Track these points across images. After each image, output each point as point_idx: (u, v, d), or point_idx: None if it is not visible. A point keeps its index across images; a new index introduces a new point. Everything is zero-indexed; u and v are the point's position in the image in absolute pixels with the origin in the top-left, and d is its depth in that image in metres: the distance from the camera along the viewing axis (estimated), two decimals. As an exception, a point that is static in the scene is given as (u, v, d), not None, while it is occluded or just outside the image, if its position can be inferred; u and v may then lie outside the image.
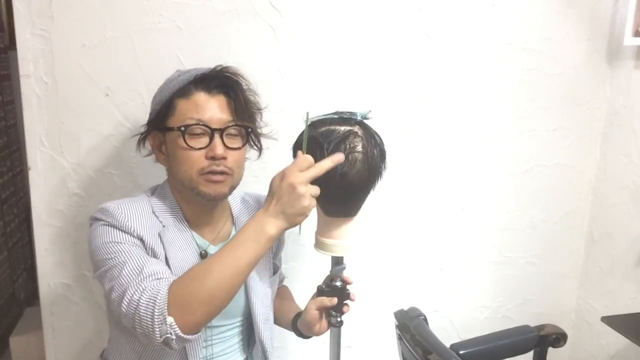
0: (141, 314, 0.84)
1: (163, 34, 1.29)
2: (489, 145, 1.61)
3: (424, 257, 1.64)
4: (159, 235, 1.01)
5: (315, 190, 0.91)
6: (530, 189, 1.69)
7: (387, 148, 1.02)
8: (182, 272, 0.93)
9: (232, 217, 1.16)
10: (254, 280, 1.13)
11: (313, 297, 1.10)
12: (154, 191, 1.10)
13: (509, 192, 1.67)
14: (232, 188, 1.06)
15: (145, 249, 0.98)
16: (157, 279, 0.89)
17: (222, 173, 1.01)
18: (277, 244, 1.24)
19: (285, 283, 1.41)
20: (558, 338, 1.31)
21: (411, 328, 1.19)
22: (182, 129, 0.99)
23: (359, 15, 1.41)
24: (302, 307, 1.16)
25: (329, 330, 1.12)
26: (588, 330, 1.79)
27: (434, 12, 1.47)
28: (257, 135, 1.11)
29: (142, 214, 1.01)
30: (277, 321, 1.27)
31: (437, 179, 1.59)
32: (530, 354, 1.35)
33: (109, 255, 0.94)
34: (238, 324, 1.14)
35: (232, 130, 1.03)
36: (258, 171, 1.40)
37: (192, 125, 1.00)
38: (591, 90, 1.66)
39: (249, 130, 1.07)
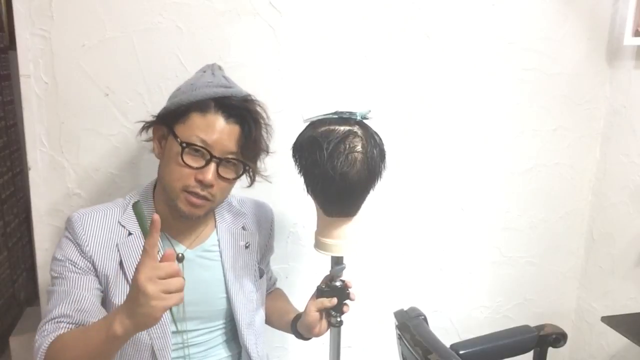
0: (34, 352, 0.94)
1: (163, 34, 1.29)
2: (489, 145, 1.61)
3: (424, 257, 1.64)
4: (117, 246, 1.03)
5: (176, 287, 0.80)
6: (530, 189, 1.69)
7: (386, 148, 1.02)
8: None
9: (215, 219, 1.14)
10: (236, 285, 1.12)
11: (312, 298, 1.10)
12: (137, 194, 1.10)
13: (509, 192, 1.67)
14: (209, 211, 1.06)
15: (95, 269, 1.02)
16: (57, 322, 0.95)
17: (203, 198, 1.00)
18: (264, 250, 1.23)
19: (285, 283, 1.41)
20: (558, 338, 1.31)
21: (411, 328, 1.19)
22: (184, 145, 0.98)
23: (359, 15, 1.41)
24: (301, 307, 1.16)
25: (328, 331, 1.12)
26: (588, 330, 1.79)
27: (434, 13, 1.47)
28: (255, 173, 1.10)
29: (103, 227, 1.03)
30: (272, 324, 1.26)
31: (437, 179, 1.59)
32: (530, 354, 1.35)
33: (53, 278, 1.03)
34: (220, 326, 1.14)
35: (230, 161, 1.02)
36: (258, 171, 1.40)
37: (195, 145, 0.98)
38: (591, 90, 1.66)
39: (247, 168, 1.06)
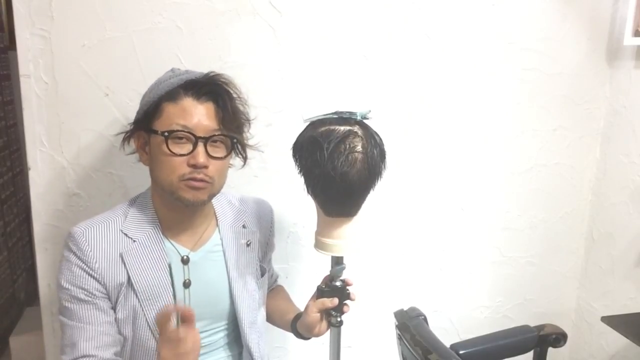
0: None
1: (163, 34, 1.29)
2: (489, 145, 1.61)
3: (424, 257, 1.64)
4: (121, 256, 1.02)
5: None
6: (530, 189, 1.69)
7: (387, 148, 1.02)
8: (146, 289, 1.01)
9: (216, 220, 1.14)
10: (239, 284, 1.12)
11: (312, 298, 1.10)
12: (136, 200, 1.10)
13: (509, 192, 1.67)
14: (212, 196, 1.06)
15: (105, 285, 1.01)
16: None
17: (202, 180, 1.01)
18: (265, 247, 1.23)
19: (285, 283, 1.41)
20: (558, 338, 1.31)
21: (411, 328, 1.19)
22: (166, 134, 0.99)
23: (359, 15, 1.41)
24: (301, 307, 1.16)
25: (328, 330, 1.12)
26: (588, 330, 1.79)
27: (434, 13, 1.47)
28: (243, 146, 1.10)
29: (107, 238, 1.02)
30: (273, 322, 1.26)
31: (437, 179, 1.59)
32: (530, 354, 1.35)
33: (63, 308, 1.01)
34: (223, 327, 1.14)
35: (216, 139, 1.02)
36: (258, 171, 1.40)
37: (177, 131, 0.99)
38: (591, 90, 1.66)
39: (234, 140, 1.06)
